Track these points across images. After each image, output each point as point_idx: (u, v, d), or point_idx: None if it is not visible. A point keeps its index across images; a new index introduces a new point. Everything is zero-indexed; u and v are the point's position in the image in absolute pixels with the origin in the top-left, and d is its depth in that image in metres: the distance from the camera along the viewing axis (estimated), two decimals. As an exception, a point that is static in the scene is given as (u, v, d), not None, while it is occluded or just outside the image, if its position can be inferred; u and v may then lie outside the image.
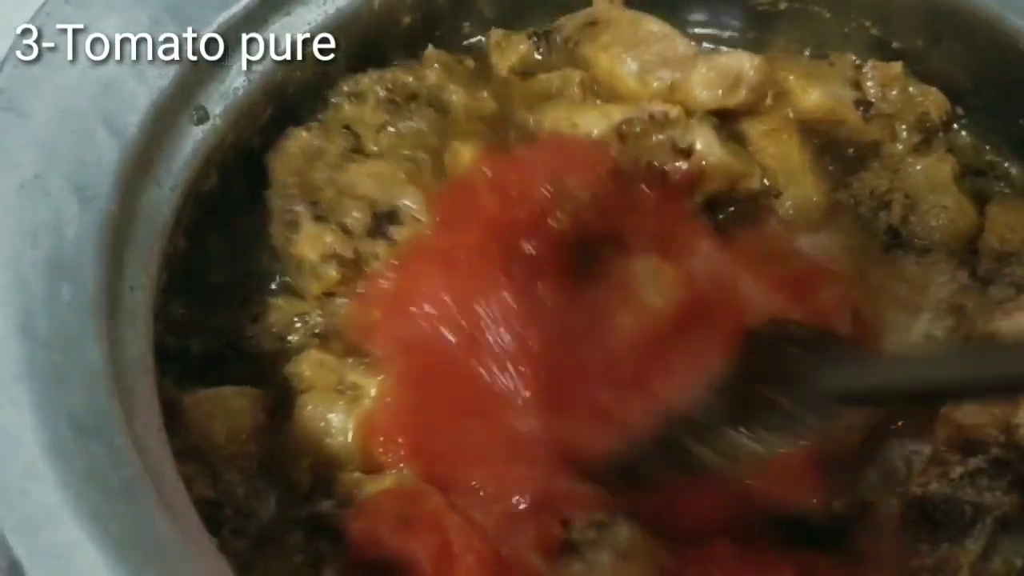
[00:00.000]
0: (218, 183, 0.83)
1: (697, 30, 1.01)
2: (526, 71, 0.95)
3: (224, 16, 0.80)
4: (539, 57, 0.96)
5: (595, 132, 0.87)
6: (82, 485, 0.56)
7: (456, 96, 0.91)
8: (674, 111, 0.87)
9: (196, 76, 0.79)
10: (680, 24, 0.99)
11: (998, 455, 0.76)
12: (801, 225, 0.89)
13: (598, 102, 0.91)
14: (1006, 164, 0.95)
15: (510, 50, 0.96)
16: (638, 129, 0.87)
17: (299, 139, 0.87)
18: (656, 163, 0.87)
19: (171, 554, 0.57)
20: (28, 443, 0.57)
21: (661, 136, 0.87)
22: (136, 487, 0.59)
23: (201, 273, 0.83)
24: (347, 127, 0.88)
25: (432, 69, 0.91)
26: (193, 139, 0.79)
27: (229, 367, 0.82)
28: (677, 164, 0.87)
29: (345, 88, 0.90)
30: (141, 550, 0.56)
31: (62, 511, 0.55)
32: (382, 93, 0.89)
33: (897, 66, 0.94)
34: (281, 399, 0.80)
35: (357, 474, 0.76)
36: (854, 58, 0.96)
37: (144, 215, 0.74)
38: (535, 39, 0.96)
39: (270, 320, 0.84)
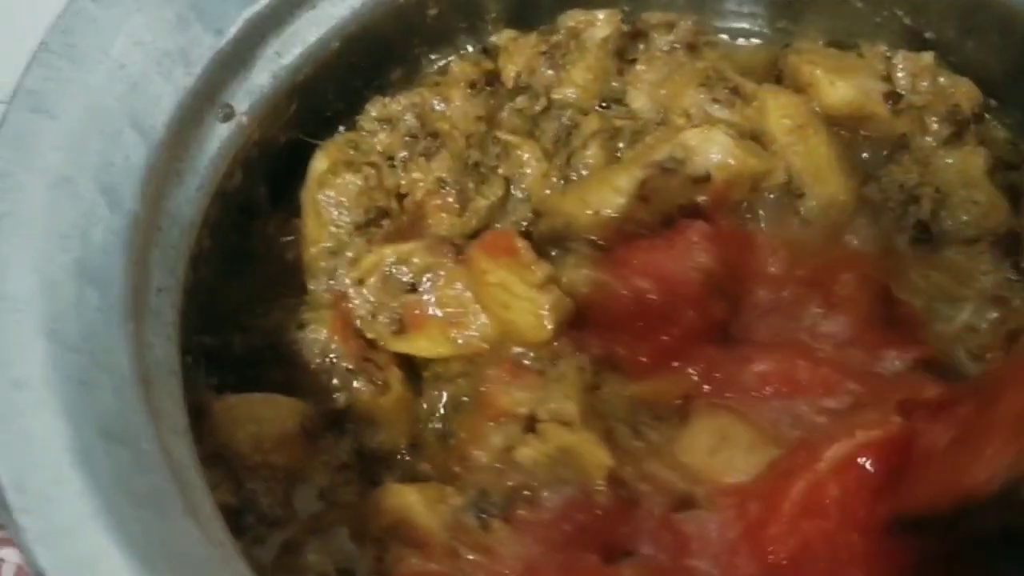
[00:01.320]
0: (243, 181, 0.83)
1: (727, 23, 1.00)
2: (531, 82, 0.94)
3: (249, 12, 0.80)
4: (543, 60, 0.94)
5: (612, 209, 0.85)
6: (108, 492, 0.57)
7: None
8: (680, 151, 0.85)
9: (222, 73, 0.79)
10: (711, 14, 0.99)
11: None
12: (825, 224, 0.88)
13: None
14: (1039, 158, 0.94)
15: (517, 54, 0.94)
16: (657, 185, 0.85)
17: (346, 183, 0.86)
18: (683, 202, 0.86)
19: (196, 562, 0.58)
20: (55, 449, 0.58)
21: (676, 180, 0.85)
22: (162, 493, 0.59)
23: (231, 275, 0.84)
24: (391, 159, 0.88)
25: (458, 88, 0.91)
26: (219, 137, 0.79)
27: (267, 370, 0.82)
28: (701, 197, 0.85)
29: (374, 113, 0.90)
30: (167, 558, 0.56)
31: (88, 519, 0.55)
32: (412, 121, 0.89)
33: (928, 56, 0.92)
34: (321, 412, 0.80)
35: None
36: (885, 48, 0.94)
37: (170, 216, 0.74)
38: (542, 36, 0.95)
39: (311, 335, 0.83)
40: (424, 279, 0.83)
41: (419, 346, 0.83)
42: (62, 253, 0.66)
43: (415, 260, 0.83)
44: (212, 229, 0.79)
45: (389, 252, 0.83)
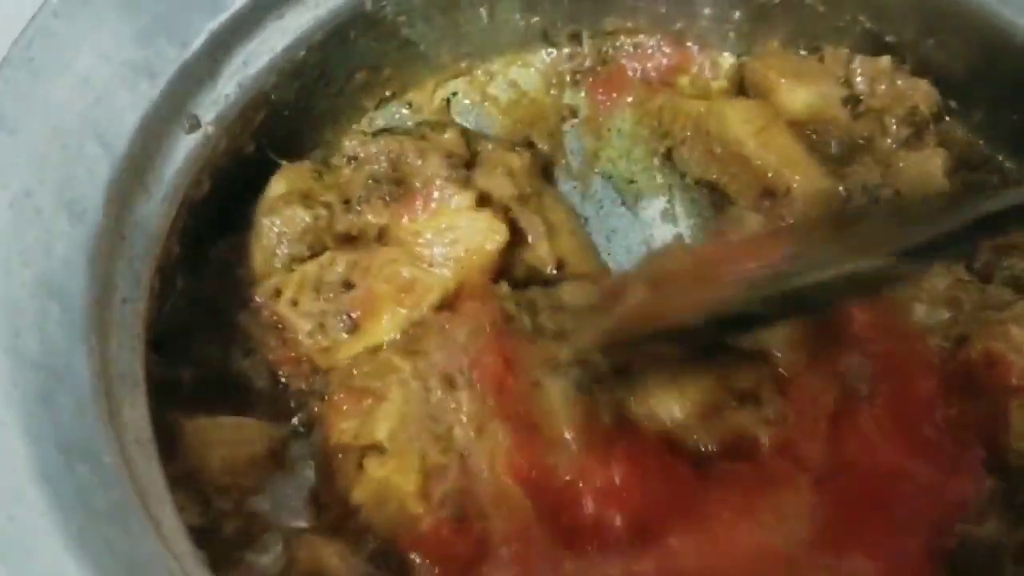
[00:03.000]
0: (211, 190, 0.83)
1: (695, 25, 1.00)
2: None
3: (215, 24, 0.79)
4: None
5: None
6: (70, 509, 0.57)
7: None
8: None
9: (187, 85, 0.79)
10: (690, 16, 0.99)
11: (994, 485, 0.76)
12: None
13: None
14: (1000, 157, 0.94)
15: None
16: None
17: (294, 215, 0.86)
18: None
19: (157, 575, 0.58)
20: (16, 467, 0.58)
21: None
22: (124, 508, 0.60)
23: (200, 281, 0.85)
24: (347, 201, 0.88)
25: (438, 154, 0.90)
26: (185, 148, 0.79)
27: (238, 395, 0.83)
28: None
29: (349, 151, 0.90)
30: (128, 573, 0.57)
31: (49, 536, 0.56)
32: (383, 166, 0.89)
33: (885, 60, 0.93)
34: (290, 435, 0.82)
35: None
36: (847, 52, 0.95)
37: (136, 227, 0.74)
38: None
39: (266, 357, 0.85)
40: (355, 271, 0.84)
41: (378, 330, 0.83)
42: (23, 269, 0.66)
43: (338, 261, 0.84)
44: (180, 237, 0.80)
45: (311, 266, 0.84)
